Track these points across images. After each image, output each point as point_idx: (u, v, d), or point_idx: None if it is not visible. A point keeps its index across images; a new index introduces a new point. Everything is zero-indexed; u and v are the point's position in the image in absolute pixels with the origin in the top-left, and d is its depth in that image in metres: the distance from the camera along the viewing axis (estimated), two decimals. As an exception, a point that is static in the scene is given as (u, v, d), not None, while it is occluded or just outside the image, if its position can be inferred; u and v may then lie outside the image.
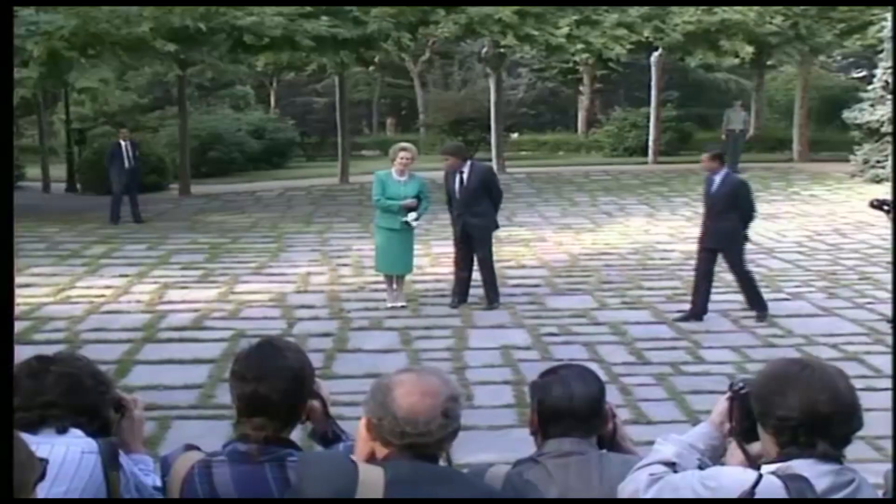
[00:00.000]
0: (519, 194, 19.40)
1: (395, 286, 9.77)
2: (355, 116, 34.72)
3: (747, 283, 9.10)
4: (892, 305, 8.60)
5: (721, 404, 2.35)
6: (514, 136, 32.72)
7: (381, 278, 9.99)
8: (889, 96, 19.89)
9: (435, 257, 12.52)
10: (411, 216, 9.33)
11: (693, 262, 12.06)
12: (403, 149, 9.49)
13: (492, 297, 9.62)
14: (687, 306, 9.68)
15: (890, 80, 19.99)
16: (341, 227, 15.69)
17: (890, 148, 19.41)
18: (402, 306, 9.65)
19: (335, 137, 24.43)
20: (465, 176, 9.45)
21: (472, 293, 9.77)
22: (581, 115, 34.03)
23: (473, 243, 9.52)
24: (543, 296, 10.27)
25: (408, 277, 10.17)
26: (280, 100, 35.82)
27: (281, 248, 13.56)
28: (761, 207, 16.90)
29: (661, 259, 12.37)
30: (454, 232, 9.74)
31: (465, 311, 9.48)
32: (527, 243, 13.56)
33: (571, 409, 2.42)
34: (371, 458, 2.07)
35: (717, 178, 8.94)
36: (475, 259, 9.61)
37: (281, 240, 14.35)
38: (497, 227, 9.72)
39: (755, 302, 9.08)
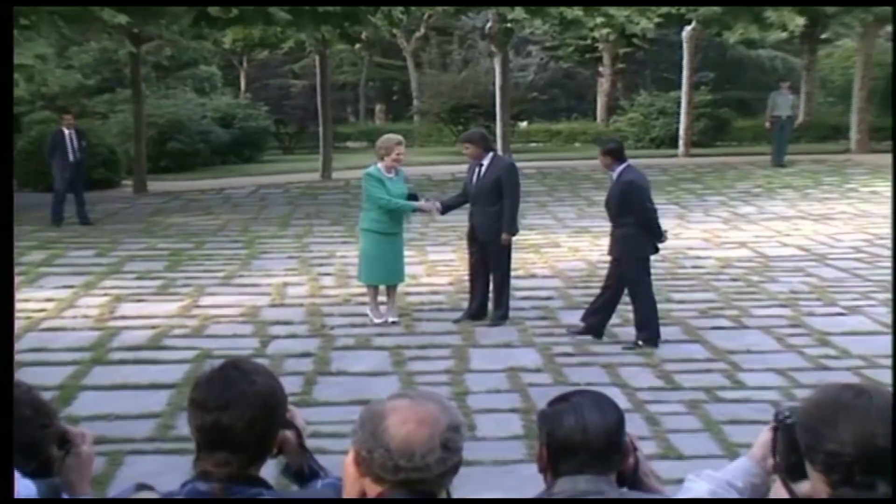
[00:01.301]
0: (528, 192, 19.34)
1: (386, 298, 9.78)
2: (339, 102, 34.81)
3: (641, 305, 8.89)
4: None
5: (764, 436, 2.34)
6: (523, 124, 32.79)
7: (366, 290, 9.98)
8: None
9: (431, 265, 12.53)
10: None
11: (731, 270, 12.17)
12: (401, 142, 9.54)
13: (499, 311, 9.63)
14: (723, 321, 9.70)
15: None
16: (323, 230, 15.69)
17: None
18: (394, 322, 9.68)
19: (316, 127, 24.47)
20: (482, 169, 9.49)
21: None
22: (600, 101, 34.11)
23: (485, 248, 9.54)
24: (557, 310, 10.28)
25: (400, 288, 10.19)
26: (252, 82, 35.87)
27: (253, 255, 13.57)
28: (811, 206, 17.20)
29: (694, 267, 12.39)
30: (467, 232, 9.86)
31: (465, 327, 9.48)
32: (537, 249, 13.57)
33: (586, 442, 2.41)
34: (362, 497, 2.07)
35: (613, 176, 8.95)
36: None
37: (253, 245, 14.35)
38: (516, 230, 9.71)
39: (644, 327, 8.86)
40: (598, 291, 10.98)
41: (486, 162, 9.51)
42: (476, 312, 9.73)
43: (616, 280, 9.00)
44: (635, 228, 8.75)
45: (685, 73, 25.41)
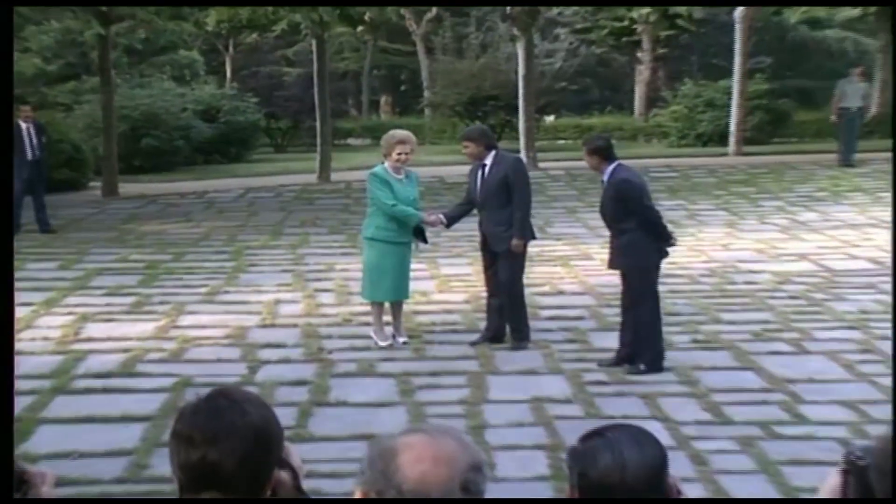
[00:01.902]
0: (555, 197, 19.42)
1: (391, 318, 9.81)
2: (339, 93, 34.89)
3: (645, 320, 8.83)
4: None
5: (832, 480, 2.33)
6: (550, 119, 32.82)
7: (370, 309, 10.00)
8: None
9: (444, 280, 12.53)
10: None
11: (790, 286, 12.13)
12: (402, 141, 9.58)
13: (518, 333, 9.64)
14: (781, 345, 9.67)
15: None
16: (321, 240, 15.73)
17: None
18: (405, 342, 9.73)
19: (312, 121, 24.55)
20: (486, 169, 9.51)
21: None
22: (639, 92, 34.13)
23: (498, 259, 9.56)
24: (588, 332, 10.27)
25: (409, 307, 10.21)
26: (239, 70, 36.00)
27: (240, 268, 13.60)
28: (885, 212, 17.08)
29: (746, 283, 12.36)
30: (481, 244, 9.91)
31: (483, 351, 9.48)
32: (566, 262, 13.57)
33: (623, 484, 2.41)
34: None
35: (605, 179, 8.93)
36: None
37: (240, 257, 14.39)
38: (533, 236, 9.74)
39: (644, 349, 8.82)
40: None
41: (489, 161, 9.53)
42: (495, 334, 9.73)
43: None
44: (639, 233, 8.76)
45: (738, 59, 25.36)
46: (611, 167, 8.84)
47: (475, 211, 9.89)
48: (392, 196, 9.41)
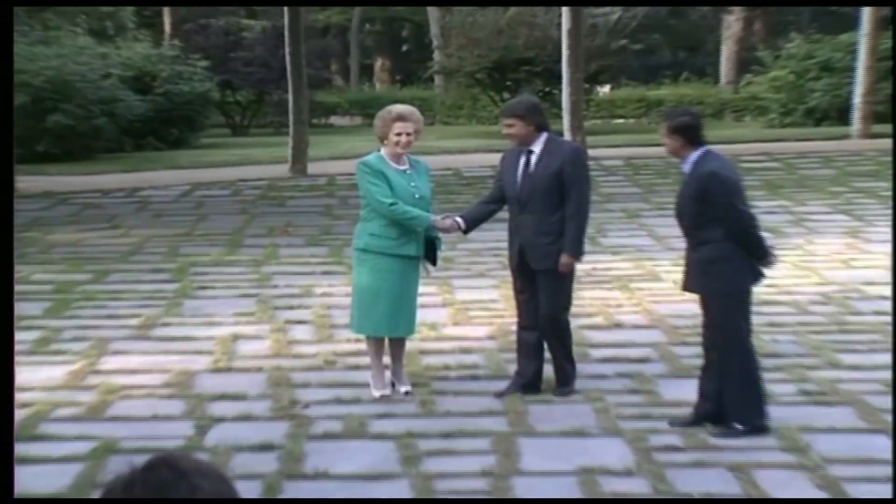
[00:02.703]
0: (610, 196, 19.43)
1: (389, 358, 9.85)
2: (319, 55, 34.96)
3: (735, 368, 8.79)
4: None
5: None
6: (604, 90, 32.85)
7: (364, 346, 10.03)
8: None
9: (461, 308, 12.55)
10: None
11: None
12: (402, 116, 9.60)
13: (562, 378, 9.68)
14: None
15: None
16: (294, 254, 15.78)
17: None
18: (407, 392, 9.74)
19: (283, 93, 24.63)
20: (533, 158, 9.52)
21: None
22: (726, 52, 34.15)
23: (538, 280, 9.56)
24: (655, 378, 10.27)
25: (411, 345, 10.25)
26: (182, 23, 36.09)
27: (185, 292, 13.65)
28: None
29: (875, 313, 12.33)
30: (510, 258, 9.88)
31: (513, 405, 9.48)
32: (625, 284, 13.57)
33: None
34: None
35: (686, 169, 8.89)
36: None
37: (185, 277, 14.43)
38: (582, 252, 9.73)
39: (742, 406, 8.84)
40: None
41: (537, 148, 9.51)
42: (530, 381, 9.75)
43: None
44: (726, 247, 8.65)
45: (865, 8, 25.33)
46: (696, 154, 8.73)
47: (502, 213, 9.90)
48: (390, 192, 9.44)
